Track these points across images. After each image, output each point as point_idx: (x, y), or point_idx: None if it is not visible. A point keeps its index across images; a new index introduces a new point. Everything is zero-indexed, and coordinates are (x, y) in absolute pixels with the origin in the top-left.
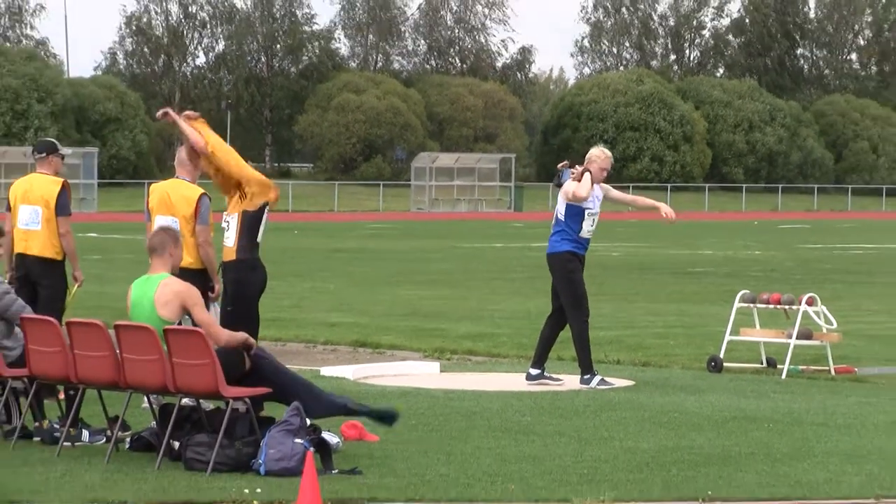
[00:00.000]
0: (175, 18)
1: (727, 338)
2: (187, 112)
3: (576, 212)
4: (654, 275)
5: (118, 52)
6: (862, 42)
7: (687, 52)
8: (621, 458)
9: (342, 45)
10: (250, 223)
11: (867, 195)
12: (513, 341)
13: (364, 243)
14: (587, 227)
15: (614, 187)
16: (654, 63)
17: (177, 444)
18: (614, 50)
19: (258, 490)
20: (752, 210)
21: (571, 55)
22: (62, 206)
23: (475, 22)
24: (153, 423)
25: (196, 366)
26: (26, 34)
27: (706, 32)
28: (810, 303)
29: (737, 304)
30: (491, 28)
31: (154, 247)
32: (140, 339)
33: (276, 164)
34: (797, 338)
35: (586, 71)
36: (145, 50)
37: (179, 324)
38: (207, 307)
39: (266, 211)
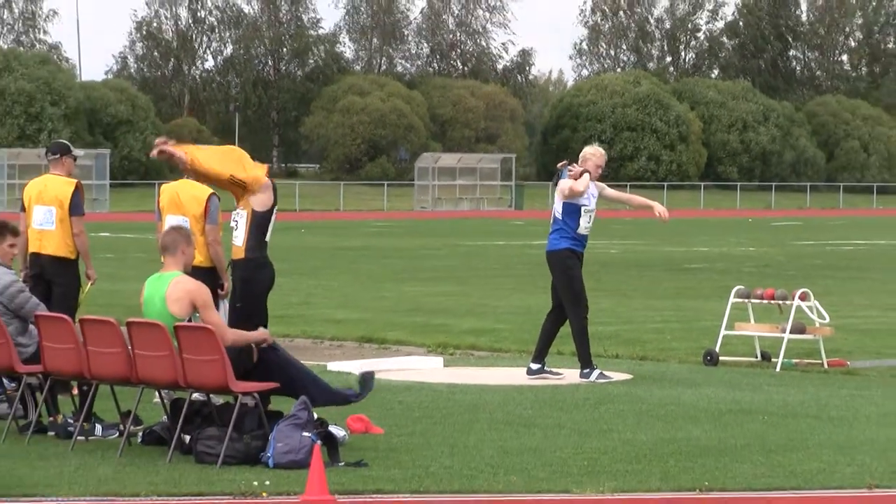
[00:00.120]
0: (184, 23)
1: (722, 332)
2: (165, 142)
3: (573, 209)
4: (652, 271)
5: (129, 56)
6: (853, 44)
7: (682, 54)
8: (620, 449)
9: (347, 48)
10: (259, 223)
11: (858, 193)
12: (514, 337)
13: (369, 241)
14: (584, 224)
15: (612, 186)
16: (650, 65)
17: (187, 438)
18: (612, 52)
19: (267, 482)
20: (746, 208)
21: (570, 58)
22: (76, 206)
23: (476, 25)
24: (164, 418)
25: (206, 361)
26: (40, 39)
27: (701, 35)
28: (803, 298)
29: (732, 300)
30: (491, 31)
31: (166, 246)
32: (151, 335)
33: (284, 165)
34: (791, 332)
35: (584, 73)
36: (155, 54)
37: (189, 321)
38: (217, 305)
39: (275, 211)
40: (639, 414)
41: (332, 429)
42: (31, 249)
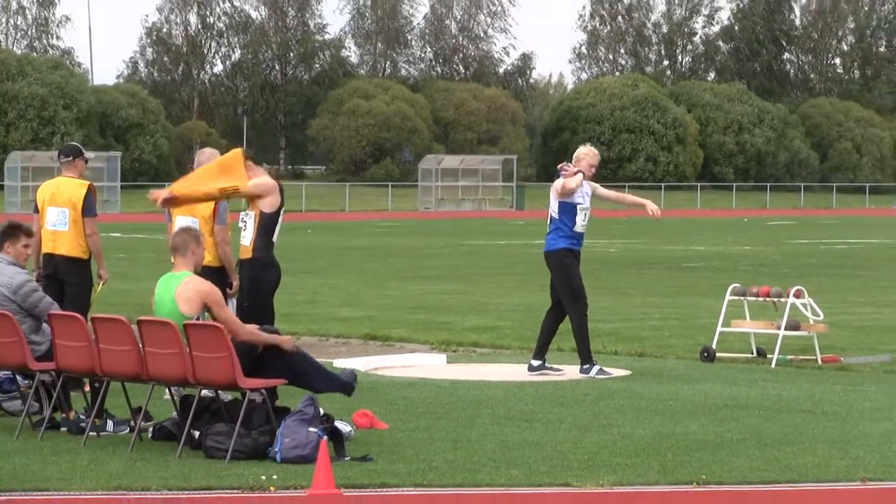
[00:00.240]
0: (193, 29)
1: (719, 329)
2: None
3: (568, 208)
4: (650, 270)
5: (140, 61)
6: (845, 47)
7: (679, 57)
8: (619, 444)
9: (352, 53)
10: (267, 224)
11: (851, 193)
12: (515, 333)
13: (374, 241)
14: (580, 222)
15: (611, 187)
16: (648, 68)
17: (197, 434)
18: (610, 56)
19: (274, 476)
20: (741, 208)
21: (570, 61)
22: (88, 207)
23: (478, 30)
24: (174, 414)
25: (215, 359)
26: (53, 44)
27: (697, 39)
28: (798, 295)
29: (728, 297)
30: (493, 36)
31: (177, 246)
32: (161, 333)
33: (290, 167)
34: (785, 329)
35: (584, 76)
36: (165, 59)
37: (198, 319)
38: (226, 303)
39: (282, 212)
40: (637, 409)
41: (338, 424)
42: (45, 250)
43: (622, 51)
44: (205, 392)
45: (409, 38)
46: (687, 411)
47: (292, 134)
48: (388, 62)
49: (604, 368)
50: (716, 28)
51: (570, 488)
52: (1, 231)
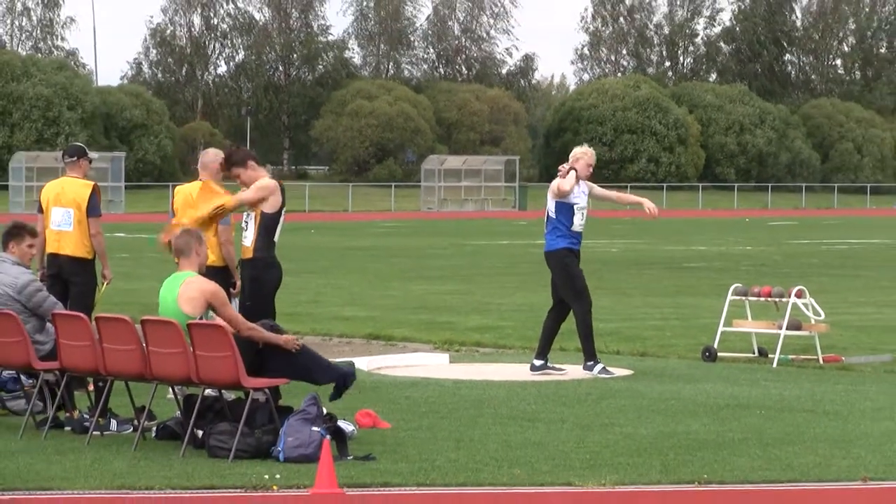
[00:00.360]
0: (198, 30)
1: (721, 329)
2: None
3: (565, 208)
4: (651, 270)
5: (144, 62)
6: (846, 48)
7: (681, 59)
8: (621, 443)
9: (355, 54)
10: (268, 224)
11: (852, 193)
12: (518, 333)
13: (377, 241)
14: (578, 221)
15: (613, 187)
16: (650, 69)
17: (200, 433)
18: (612, 57)
19: (277, 476)
20: (743, 208)
21: (572, 62)
22: (93, 207)
23: (481, 32)
24: (178, 413)
25: (218, 358)
26: (57, 45)
27: (699, 40)
28: (799, 295)
29: (729, 297)
30: (496, 37)
31: (180, 248)
32: (165, 333)
33: (294, 167)
34: (787, 328)
35: (586, 77)
36: (169, 60)
37: (201, 319)
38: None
39: (283, 213)
40: (639, 409)
41: (341, 423)
42: (49, 250)
43: (624, 52)
44: (208, 391)
45: (412, 39)
46: (689, 411)
47: (296, 134)
48: (391, 63)
49: (607, 367)
50: (717, 29)
51: (572, 488)
52: (6, 231)
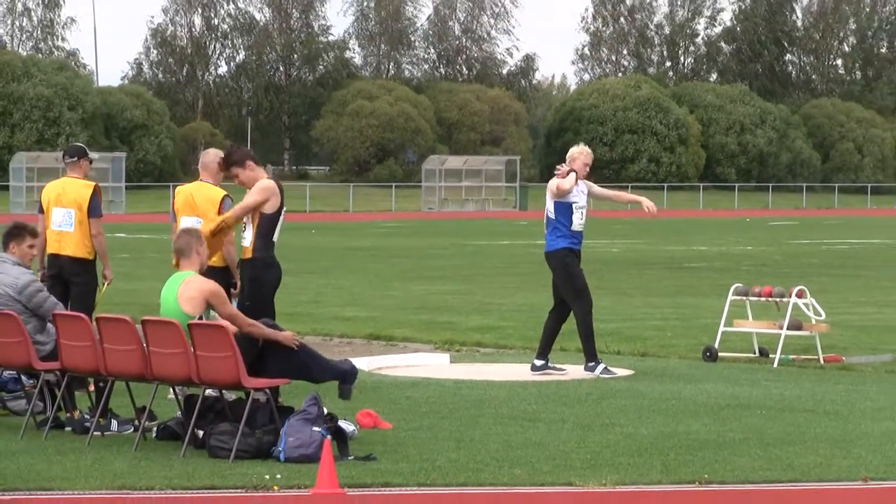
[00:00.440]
0: (198, 30)
1: (721, 329)
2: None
3: (564, 207)
4: (652, 270)
5: (144, 63)
6: (847, 48)
7: (682, 58)
8: (622, 443)
9: (356, 54)
10: (267, 224)
11: (853, 193)
12: (519, 333)
13: (377, 241)
14: (577, 221)
15: (613, 187)
16: (650, 69)
17: (201, 433)
18: (613, 57)
19: (278, 476)
20: (744, 208)
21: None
22: (94, 208)
23: (481, 32)
24: (178, 413)
25: (219, 358)
26: (58, 46)
27: (700, 40)
28: (800, 295)
29: (730, 297)
30: (496, 37)
31: (181, 249)
32: (166, 333)
33: (294, 167)
34: (788, 328)
35: (586, 77)
36: (170, 60)
37: (201, 318)
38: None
39: (282, 213)
40: (640, 409)
41: (342, 424)
42: (50, 250)
43: (625, 52)
44: (209, 392)
45: (413, 39)
46: (689, 411)
47: (296, 135)
48: (391, 63)
49: (608, 367)
50: (718, 29)
51: (572, 488)
52: (6, 231)
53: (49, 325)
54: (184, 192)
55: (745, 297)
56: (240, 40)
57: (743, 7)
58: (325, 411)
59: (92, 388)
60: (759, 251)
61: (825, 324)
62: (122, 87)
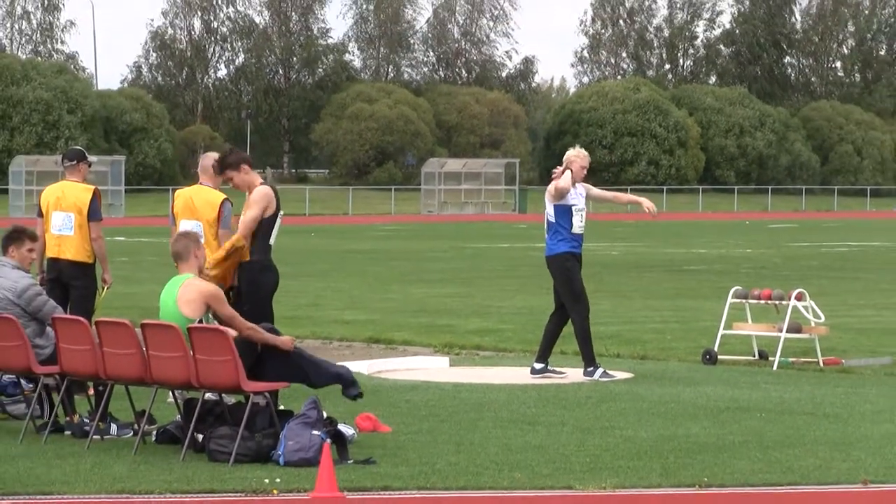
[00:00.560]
0: (197, 33)
1: (721, 332)
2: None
3: (564, 210)
4: (651, 272)
5: (144, 66)
6: (846, 51)
7: (681, 61)
8: (621, 446)
9: (355, 57)
10: (264, 228)
11: (852, 196)
12: (518, 337)
13: (377, 244)
14: (577, 223)
15: (612, 190)
16: (649, 72)
17: (200, 437)
18: (612, 60)
19: (278, 479)
20: (743, 210)
21: (572, 65)
22: (94, 211)
23: (481, 35)
24: (178, 417)
25: (218, 362)
26: (57, 49)
27: (699, 43)
28: (799, 298)
29: (730, 300)
30: (495, 40)
31: (179, 253)
32: (165, 337)
33: (294, 171)
34: (787, 331)
35: (586, 80)
36: (169, 63)
37: (201, 322)
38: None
39: (279, 216)
40: (639, 412)
41: (342, 427)
42: (50, 254)
43: (624, 54)
44: (208, 395)
45: (412, 42)
46: (689, 414)
47: (296, 138)
48: (390, 66)
49: (607, 371)
50: (717, 32)
51: (572, 491)
52: (6, 235)
53: (48, 328)
54: (183, 195)
55: (744, 300)
56: (239, 43)
57: (742, 10)
58: (325, 415)
59: (91, 391)
60: (759, 254)
61: (824, 326)
62: (121, 90)
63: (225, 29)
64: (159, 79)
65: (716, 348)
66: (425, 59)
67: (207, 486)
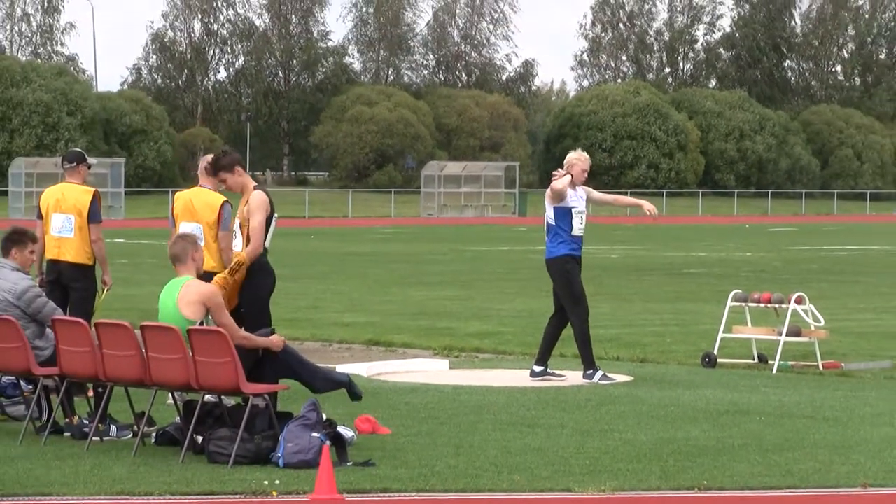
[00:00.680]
0: (197, 35)
1: (720, 335)
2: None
3: (564, 212)
4: (651, 276)
5: (144, 68)
6: (846, 55)
7: (681, 65)
8: (621, 449)
9: (355, 60)
10: None
11: (852, 200)
12: (518, 339)
13: (376, 247)
14: (577, 225)
15: (612, 193)
16: (649, 76)
17: (200, 439)
18: (612, 63)
19: (277, 481)
20: (743, 214)
21: (572, 69)
22: (94, 213)
23: (481, 38)
24: (177, 419)
25: (218, 364)
26: (57, 51)
27: (699, 46)
28: (799, 301)
29: (729, 303)
30: (495, 43)
31: (176, 255)
32: (165, 338)
33: (294, 173)
34: (787, 335)
35: (586, 83)
36: (169, 65)
37: (201, 324)
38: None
39: (274, 219)
40: (639, 414)
41: (341, 429)
42: (50, 256)
43: (624, 58)
44: (208, 397)
45: (412, 45)
46: (688, 417)
47: (295, 140)
48: (390, 69)
49: (607, 374)
50: (717, 35)
51: (571, 494)
52: (7, 237)
53: (48, 330)
54: (183, 197)
55: (744, 304)
56: (239, 46)
57: (742, 13)
58: (324, 417)
59: (91, 393)
60: (759, 257)
61: (824, 330)
62: (121, 92)
63: (225, 31)
64: (159, 81)
65: (715, 351)
66: (425, 62)
67: (207, 488)
